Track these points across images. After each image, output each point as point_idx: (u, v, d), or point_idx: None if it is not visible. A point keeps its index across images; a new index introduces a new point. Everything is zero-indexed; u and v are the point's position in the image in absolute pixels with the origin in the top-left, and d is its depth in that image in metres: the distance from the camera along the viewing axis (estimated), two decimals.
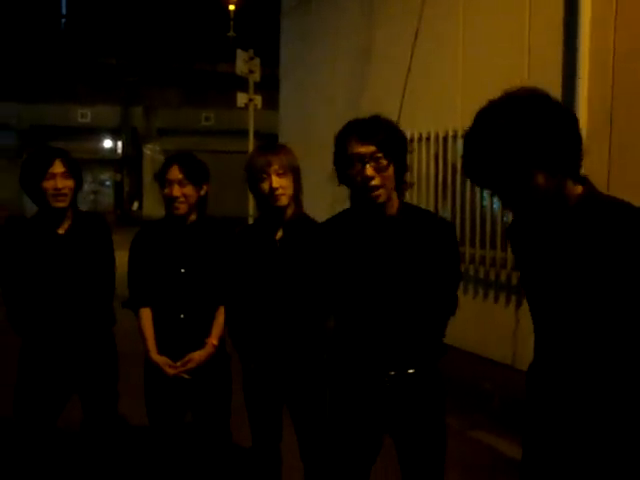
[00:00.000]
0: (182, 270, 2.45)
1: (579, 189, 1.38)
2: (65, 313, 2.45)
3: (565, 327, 1.41)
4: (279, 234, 2.31)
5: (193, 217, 2.50)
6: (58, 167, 2.39)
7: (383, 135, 1.82)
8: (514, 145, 1.25)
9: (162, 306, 2.48)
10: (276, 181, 2.22)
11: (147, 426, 2.56)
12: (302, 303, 2.27)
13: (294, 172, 2.28)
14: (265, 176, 2.23)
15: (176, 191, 2.40)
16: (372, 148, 1.80)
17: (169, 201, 2.43)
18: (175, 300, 2.46)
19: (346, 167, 1.84)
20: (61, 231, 2.48)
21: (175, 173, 2.41)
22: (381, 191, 1.82)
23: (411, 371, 1.92)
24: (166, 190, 2.42)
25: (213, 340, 2.44)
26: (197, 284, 2.46)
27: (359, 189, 1.84)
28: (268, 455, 2.43)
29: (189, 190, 2.42)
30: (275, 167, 2.22)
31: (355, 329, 1.95)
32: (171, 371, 2.40)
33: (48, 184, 2.38)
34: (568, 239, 1.38)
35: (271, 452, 2.43)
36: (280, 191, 2.22)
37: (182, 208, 2.43)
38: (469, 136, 1.34)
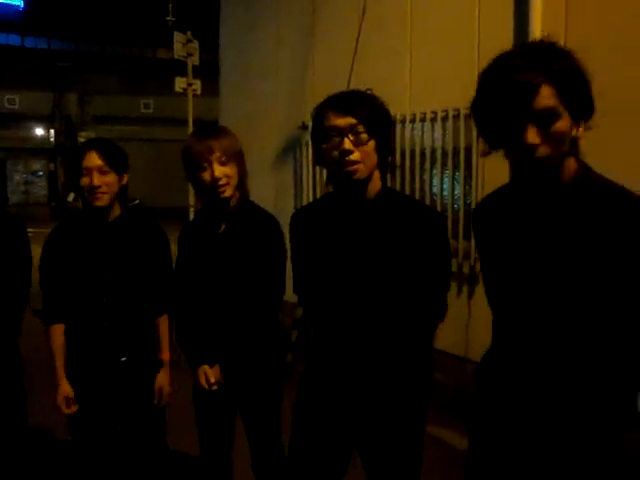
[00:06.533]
0: (104, 274, 2.18)
1: (574, 166, 1.26)
2: None
3: (543, 316, 1.27)
4: (224, 226, 2.09)
5: (116, 212, 2.24)
6: None
7: (363, 108, 1.60)
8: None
9: (83, 314, 2.21)
10: (219, 170, 1.98)
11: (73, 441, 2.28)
12: (251, 299, 2.04)
13: (238, 158, 2.04)
14: (206, 165, 1.98)
15: (97, 180, 2.12)
16: (351, 120, 1.58)
17: (89, 192, 2.14)
18: (97, 308, 2.19)
19: (323, 142, 1.61)
20: None
21: (94, 160, 2.13)
22: (360, 166, 1.59)
23: (389, 382, 1.66)
24: (84, 179, 2.13)
25: (165, 355, 2.29)
26: (121, 289, 2.20)
27: (335, 165, 1.61)
28: (217, 465, 2.21)
29: (111, 178, 2.15)
30: (217, 155, 1.98)
31: (328, 332, 1.72)
32: (69, 410, 2.19)
33: None
34: (560, 220, 1.25)
35: (221, 462, 2.21)
36: (224, 181, 1.99)
37: (104, 199, 2.16)
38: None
